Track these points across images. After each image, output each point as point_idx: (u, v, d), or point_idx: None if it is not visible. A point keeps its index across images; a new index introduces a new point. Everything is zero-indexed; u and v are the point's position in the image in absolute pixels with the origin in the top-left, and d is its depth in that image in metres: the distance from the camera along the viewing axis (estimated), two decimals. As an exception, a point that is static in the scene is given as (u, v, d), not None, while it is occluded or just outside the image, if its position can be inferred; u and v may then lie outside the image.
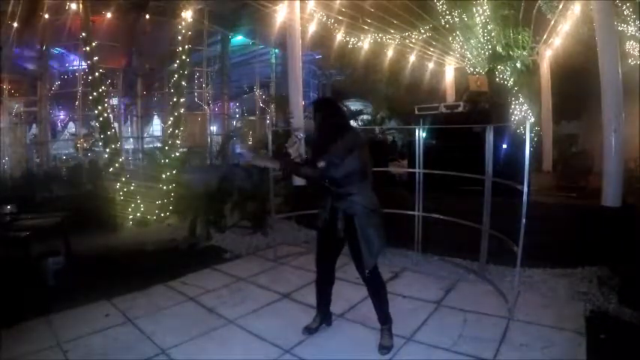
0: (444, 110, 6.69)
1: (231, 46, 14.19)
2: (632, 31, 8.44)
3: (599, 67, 4.86)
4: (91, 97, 6.58)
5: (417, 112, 7.00)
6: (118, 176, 6.17)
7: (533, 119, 9.16)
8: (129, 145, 13.48)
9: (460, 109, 6.56)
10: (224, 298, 3.46)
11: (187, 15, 6.69)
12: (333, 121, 2.58)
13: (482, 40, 9.38)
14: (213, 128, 14.61)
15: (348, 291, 3.32)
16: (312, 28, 9.20)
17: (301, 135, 2.52)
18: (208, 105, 13.87)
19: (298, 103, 6.73)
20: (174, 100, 6.73)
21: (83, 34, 6.21)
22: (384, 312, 2.61)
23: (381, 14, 9.28)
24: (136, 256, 4.60)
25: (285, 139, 6.06)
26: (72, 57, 12.00)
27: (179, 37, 6.69)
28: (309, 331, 2.77)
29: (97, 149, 10.82)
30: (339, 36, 10.45)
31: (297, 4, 6.85)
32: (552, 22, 8.89)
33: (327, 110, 2.64)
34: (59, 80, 12.18)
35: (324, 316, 2.84)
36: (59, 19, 9.55)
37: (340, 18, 9.52)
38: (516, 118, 8.78)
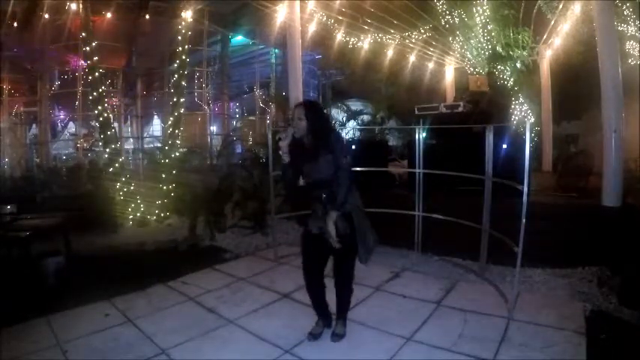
0: (444, 110, 6.69)
1: (231, 46, 14.22)
2: (632, 31, 8.45)
3: (599, 67, 4.86)
4: (91, 97, 6.56)
5: (417, 112, 7.01)
6: (118, 176, 6.17)
7: (533, 119, 9.17)
8: (129, 145, 13.49)
9: (460, 109, 6.56)
10: (224, 298, 3.45)
11: (187, 15, 6.69)
12: (325, 125, 2.56)
13: (482, 40, 9.39)
14: (213, 128, 14.65)
15: (348, 291, 3.31)
16: (312, 28, 9.20)
17: (292, 130, 2.51)
18: (208, 105, 13.88)
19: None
20: (174, 100, 6.73)
21: (83, 34, 6.21)
22: (347, 303, 2.68)
23: (381, 14, 9.28)
24: (136, 256, 4.60)
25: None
26: (72, 57, 12.00)
27: (179, 37, 6.68)
28: (314, 337, 2.70)
29: (97, 149, 10.84)
30: (339, 36, 10.45)
31: (297, 4, 6.85)
32: (552, 22, 8.90)
33: (319, 113, 2.56)
34: (59, 80, 12.18)
35: (325, 319, 2.78)
36: (59, 19, 9.56)
37: (340, 18, 9.53)
38: (516, 118, 8.78)
